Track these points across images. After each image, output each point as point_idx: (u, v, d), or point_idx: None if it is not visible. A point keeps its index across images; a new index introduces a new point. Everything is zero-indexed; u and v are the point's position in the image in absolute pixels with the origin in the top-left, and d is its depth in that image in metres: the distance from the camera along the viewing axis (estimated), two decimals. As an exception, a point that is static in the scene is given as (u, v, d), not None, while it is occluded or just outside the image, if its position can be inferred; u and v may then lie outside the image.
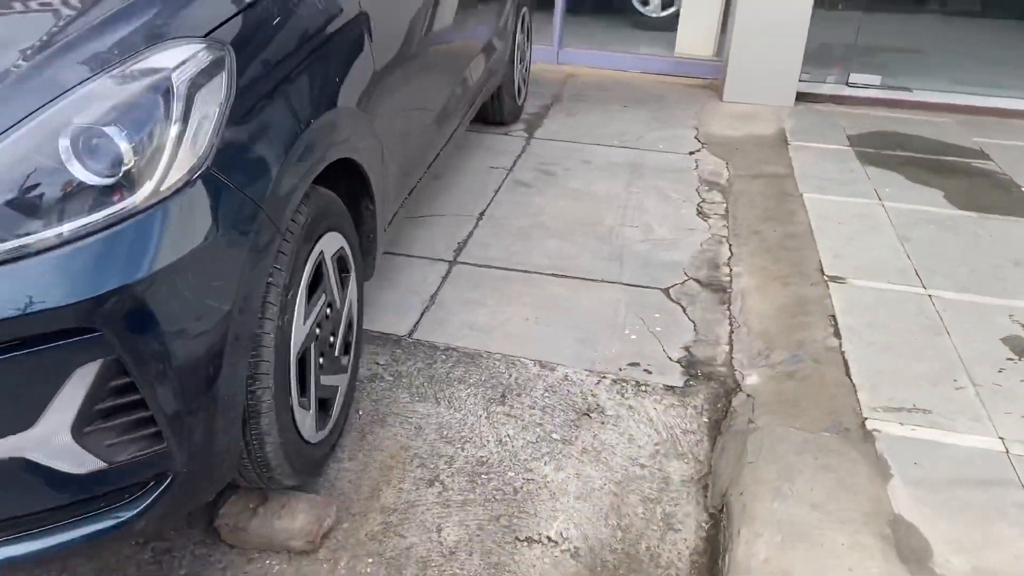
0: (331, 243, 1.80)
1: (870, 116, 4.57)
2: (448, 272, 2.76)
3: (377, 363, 2.27)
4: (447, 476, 1.94)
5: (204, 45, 1.40)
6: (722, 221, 3.28)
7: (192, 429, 1.37)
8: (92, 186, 1.23)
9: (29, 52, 1.30)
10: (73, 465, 1.29)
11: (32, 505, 1.31)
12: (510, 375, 2.25)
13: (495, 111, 4.09)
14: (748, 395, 2.17)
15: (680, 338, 2.47)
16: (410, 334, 2.41)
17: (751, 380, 2.24)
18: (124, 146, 1.25)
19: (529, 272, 2.79)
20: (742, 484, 1.80)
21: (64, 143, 1.22)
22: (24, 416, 1.23)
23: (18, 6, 1.44)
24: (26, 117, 1.22)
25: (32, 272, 1.17)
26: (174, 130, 1.30)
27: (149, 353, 1.27)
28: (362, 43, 1.92)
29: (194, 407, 1.36)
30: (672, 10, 6.34)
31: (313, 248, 1.70)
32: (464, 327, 2.45)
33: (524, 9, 4.17)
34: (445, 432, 2.06)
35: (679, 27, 5.76)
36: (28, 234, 1.18)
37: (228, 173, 1.38)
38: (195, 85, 1.35)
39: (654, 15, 6.65)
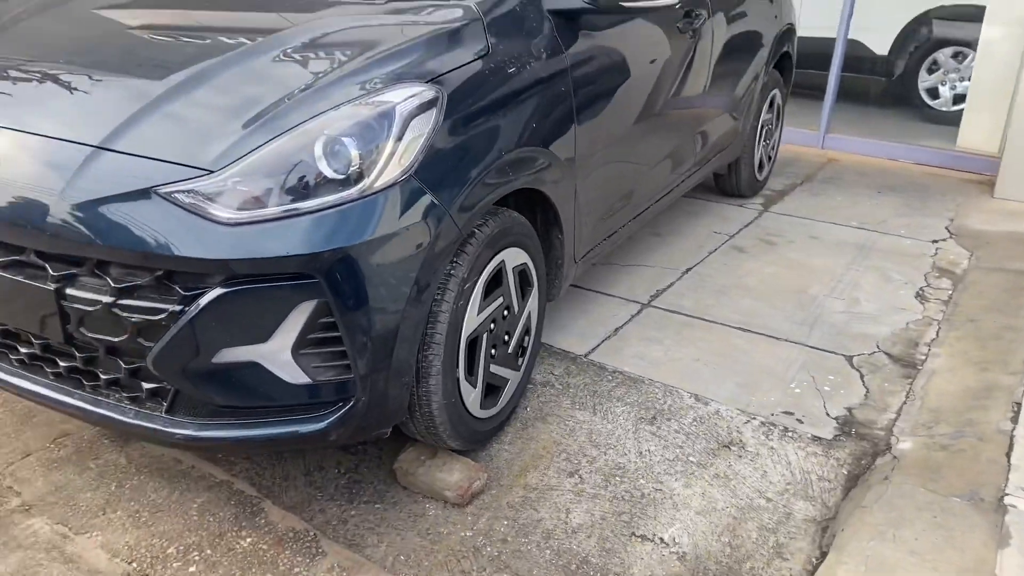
0: (514, 256, 2.20)
1: None
2: (638, 312, 3.05)
3: (552, 373, 2.62)
4: (586, 472, 2.22)
5: (425, 87, 1.89)
6: (940, 306, 3.21)
7: (371, 367, 1.82)
8: (330, 179, 1.74)
9: (306, 84, 1.87)
10: (289, 376, 1.79)
11: (256, 401, 1.83)
12: (665, 402, 2.48)
13: (732, 183, 4.32)
14: (894, 456, 2.19)
15: (846, 400, 2.52)
16: (586, 355, 2.73)
17: (903, 445, 2.25)
18: (354, 153, 1.76)
19: (713, 322, 2.99)
20: (848, 524, 1.88)
21: (318, 146, 1.75)
22: (262, 332, 1.75)
23: (308, 55, 2.04)
24: (297, 124, 1.77)
25: (283, 231, 1.69)
26: (390, 145, 1.79)
27: (346, 301, 1.74)
28: (564, 96, 2.33)
29: (375, 351, 1.81)
30: (963, 105, 6.10)
31: (494, 256, 2.11)
32: (636, 357, 2.71)
33: (775, 91, 4.37)
34: (594, 437, 2.34)
35: (963, 121, 5.54)
36: (281, 204, 1.72)
37: (426, 182, 1.84)
38: (412, 115, 1.83)
39: (943, 109, 6.43)
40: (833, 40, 5.58)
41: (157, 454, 2.33)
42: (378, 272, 1.77)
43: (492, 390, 2.26)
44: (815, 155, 5.59)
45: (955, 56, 6.37)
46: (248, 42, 2.06)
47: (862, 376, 2.66)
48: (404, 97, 1.85)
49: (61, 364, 1.92)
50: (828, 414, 2.45)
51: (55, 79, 2.04)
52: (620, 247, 3.57)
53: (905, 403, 2.50)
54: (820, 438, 2.33)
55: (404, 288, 1.82)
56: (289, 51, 2.02)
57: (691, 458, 2.26)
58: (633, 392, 2.52)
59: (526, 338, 2.38)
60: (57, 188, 1.74)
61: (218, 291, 1.69)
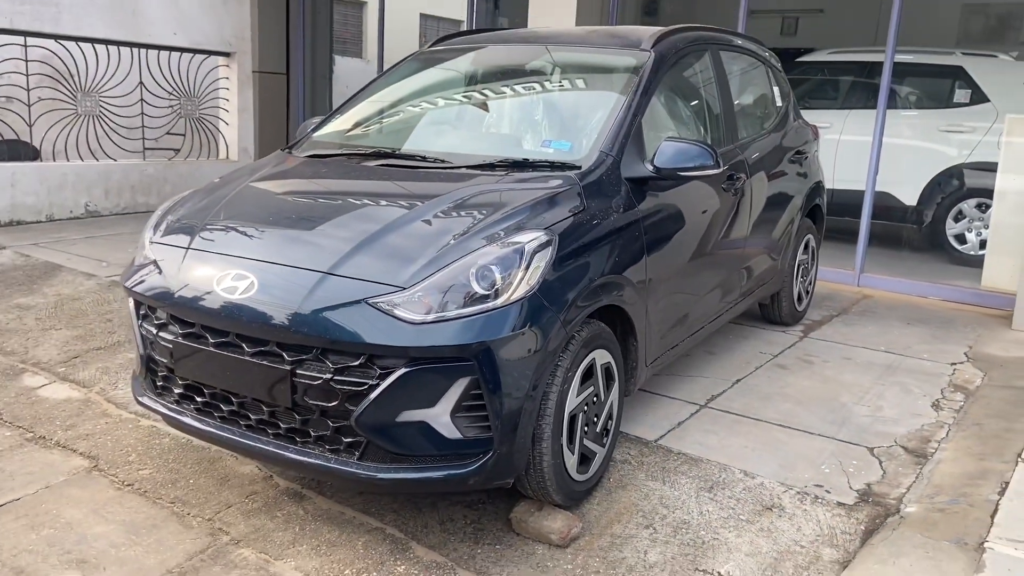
0: (601, 356, 2.95)
1: None
2: (696, 411, 3.73)
3: (628, 453, 3.30)
4: (659, 525, 2.86)
5: (542, 233, 2.72)
6: (952, 414, 3.82)
7: (504, 428, 2.55)
8: (480, 294, 2.55)
9: (462, 231, 2.72)
10: (448, 432, 2.53)
11: (422, 450, 2.56)
12: (720, 476, 3.13)
13: (775, 312, 5.05)
14: (901, 516, 2.79)
15: (866, 478, 3.14)
16: (656, 440, 3.41)
17: (909, 509, 2.85)
18: (498, 277, 2.57)
19: (759, 420, 3.65)
20: (858, 555, 2.48)
21: (473, 272, 2.57)
22: (431, 399, 2.51)
23: (461, 212, 2.90)
24: (459, 258, 2.59)
25: (450, 329, 2.48)
26: (520, 272, 2.60)
27: (490, 378, 2.50)
28: (637, 238, 3.15)
29: (508, 416, 2.55)
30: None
31: (588, 354, 2.86)
32: (696, 443, 3.39)
33: (808, 236, 5.18)
34: (664, 501, 2.99)
35: (985, 263, 6.19)
36: (448, 311, 2.52)
37: (544, 298, 2.63)
38: (534, 252, 2.66)
39: (971, 253, 7.10)
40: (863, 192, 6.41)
41: (326, 507, 3.04)
42: (512, 359, 2.54)
43: (584, 460, 2.95)
44: (851, 292, 6.29)
45: (978, 207, 7.12)
46: (419, 203, 2.95)
47: (880, 462, 3.28)
48: (529, 239, 2.68)
49: (281, 426, 2.69)
50: (851, 487, 3.06)
51: (289, 228, 2.95)
52: (680, 360, 4.28)
53: (914, 482, 3.10)
54: (844, 503, 2.94)
55: (528, 371, 2.58)
56: (447, 209, 2.89)
57: (741, 516, 2.89)
58: (695, 468, 3.18)
59: (609, 422, 3.08)
60: (297, 301, 2.58)
61: (404, 369, 2.48)
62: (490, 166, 3.25)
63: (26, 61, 6.95)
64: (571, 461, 2.85)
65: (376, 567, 2.68)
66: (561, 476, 2.80)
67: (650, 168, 3.26)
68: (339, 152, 3.68)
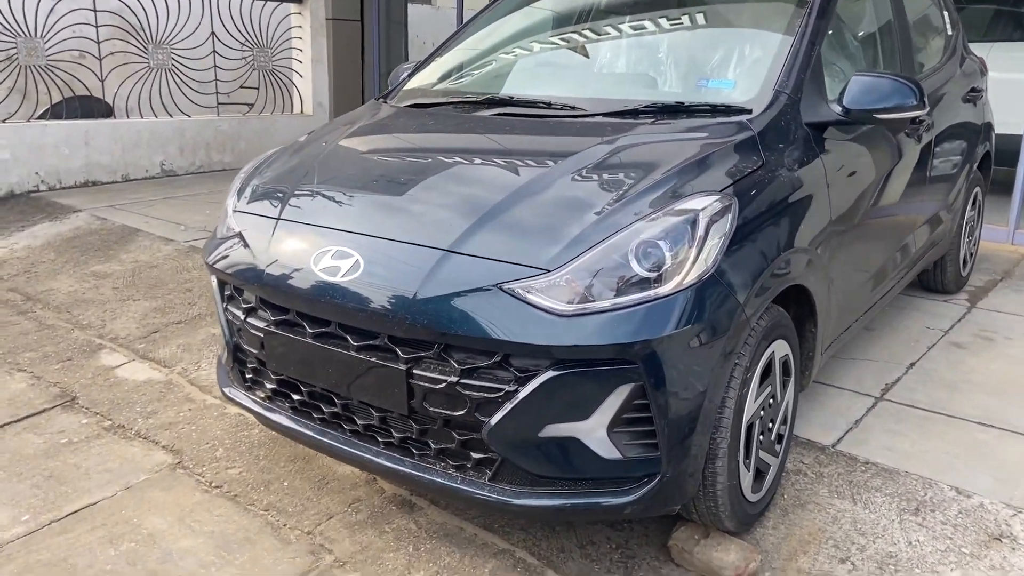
0: (780, 348, 2.37)
1: None
2: (873, 406, 3.11)
3: (802, 462, 2.72)
4: (857, 559, 2.29)
5: (720, 196, 2.13)
6: None
7: (676, 446, 2.01)
8: (643, 277, 1.98)
9: (617, 196, 2.15)
10: (604, 451, 2.00)
11: (570, 473, 2.04)
12: (925, 493, 2.53)
13: (937, 279, 4.33)
14: None
15: (1115, 498, 2.49)
16: (833, 445, 2.81)
17: None
18: (666, 255, 2.00)
19: (952, 417, 3.01)
20: None
21: (635, 250, 2.00)
22: (583, 411, 1.98)
23: (612, 172, 2.33)
24: (616, 231, 2.02)
25: (609, 322, 1.93)
26: (695, 248, 2.02)
27: (659, 385, 1.95)
28: (822, 198, 2.52)
29: (680, 431, 2.00)
30: None
31: (768, 347, 2.28)
32: (884, 449, 2.78)
33: (977, 189, 4.41)
34: (859, 526, 2.41)
35: None
36: (604, 299, 1.96)
37: (723, 281, 2.05)
38: (711, 222, 2.07)
39: None
40: (1020, 137, 5.54)
41: (441, 521, 2.57)
42: (686, 359, 1.98)
43: (758, 475, 2.39)
44: (1007, 251, 5.49)
45: None
46: (552, 162, 2.38)
47: (1125, 475, 2.63)
48: (704, 205, 2.09)
49: (395, 435, 2.21)
50: (1099, 512, 2.43)
51: (396, 194, 2.42)
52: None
53: None
54: (1097, 535, 2.32)
55: (706, 375, 2.02)
56: (590, 169, 2.31)
57: (963, 549, 2.30)
58: (890, 483, 2.58)
59: (783, 427, 2.51)
60: (414, 285, 2.07)
61: (551, 373, 1.94)
62: (634, 112, 2.65)
63: (95, 11, 6.58)
64: (747, 480, 2.29)
65: (510, 605, 2.20)
66: (736, 499, 2.25)
67: (837, 110, 2.61)
68: (445, 100, 3.13)
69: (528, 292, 1.97)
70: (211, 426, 3.19)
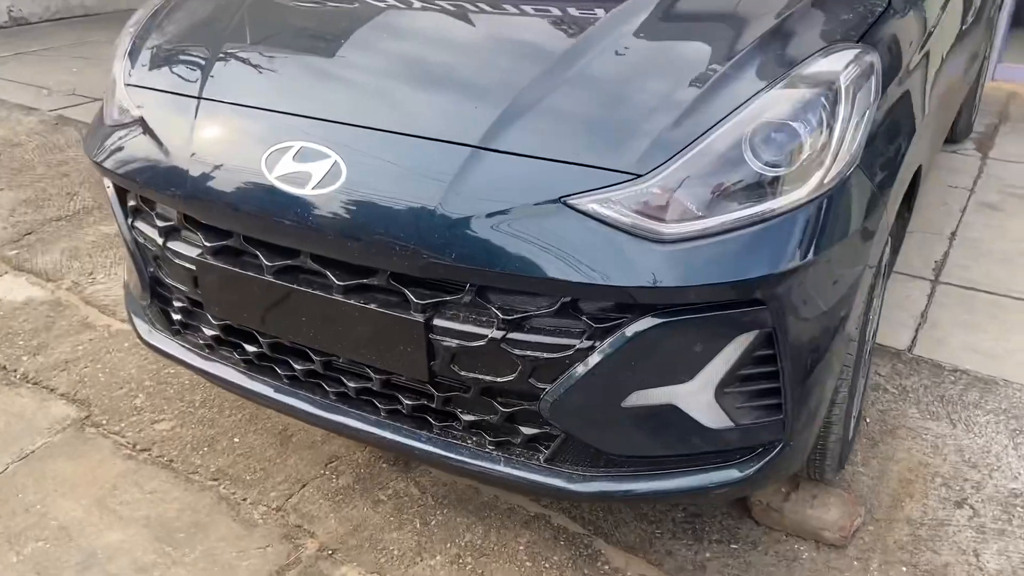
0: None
1: None
2: (932, 292, 2.67)
3: (879, 373, 2.26)
4: (976, 501, 1.88)
5: (860, 49, 1.49)
6: None
7: (805, 405, 1.47)
8: (773, 177, 1.36)
9: (707, 68, 1.47)
10: (709, 419, 1.44)
11: (662, 449, 1.50)
12: (1034, 408, 2.12)
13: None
14: None
15: None
16: (909, 349, 2.36)
17: None
18: (804, 143, 1.37)
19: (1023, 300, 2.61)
20: None
21: (759, 139, 1.36)
22: (685, 370, 1.40)
23: (672, 28, 1.64)
24: (728, 114, 1.37)
25: (731, 248, 1.32)
26: (839, 128, 1.40)
27: (796, 330, 1.38)
28: (931, 51, 1.91)
29: (811, 385, 1.46)
30: None
31: (886, 248, 1.73)
32: (967, 350, 2.35)
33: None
34: (966, 456, 1.99)
35: None
36: (715, 214, 1.34)
37: (869, 171, 1.45)
38: (856, 87, 1.44)
39: None
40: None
41: (448, 480, 2.02)
42: (829, 290, 1.41)
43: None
44: (990, 88, 5.06)
45: None
46: (602, 10, 1.65)
47: None
48: (843, 64, 1.45)
49: (404, 402, 1.59)
50: None
51: (388, 61, 1.65)
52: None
53: None
54: None
55: (846, 304, 1.46)
56: (657, 21, 1.61)
57: (1098, 481, 1.92)
58: (990, 397, 2.16)
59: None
60: (432, 200, 1.38)
61: (645, 322, 1.34)
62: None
63: None
64: (852, 421, 1.80)
65: (562, 600, 1.71)
66: (846, 445, 1.76)
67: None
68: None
69: (609, 208, 1.33)
70: (123, 362, 2.48)
